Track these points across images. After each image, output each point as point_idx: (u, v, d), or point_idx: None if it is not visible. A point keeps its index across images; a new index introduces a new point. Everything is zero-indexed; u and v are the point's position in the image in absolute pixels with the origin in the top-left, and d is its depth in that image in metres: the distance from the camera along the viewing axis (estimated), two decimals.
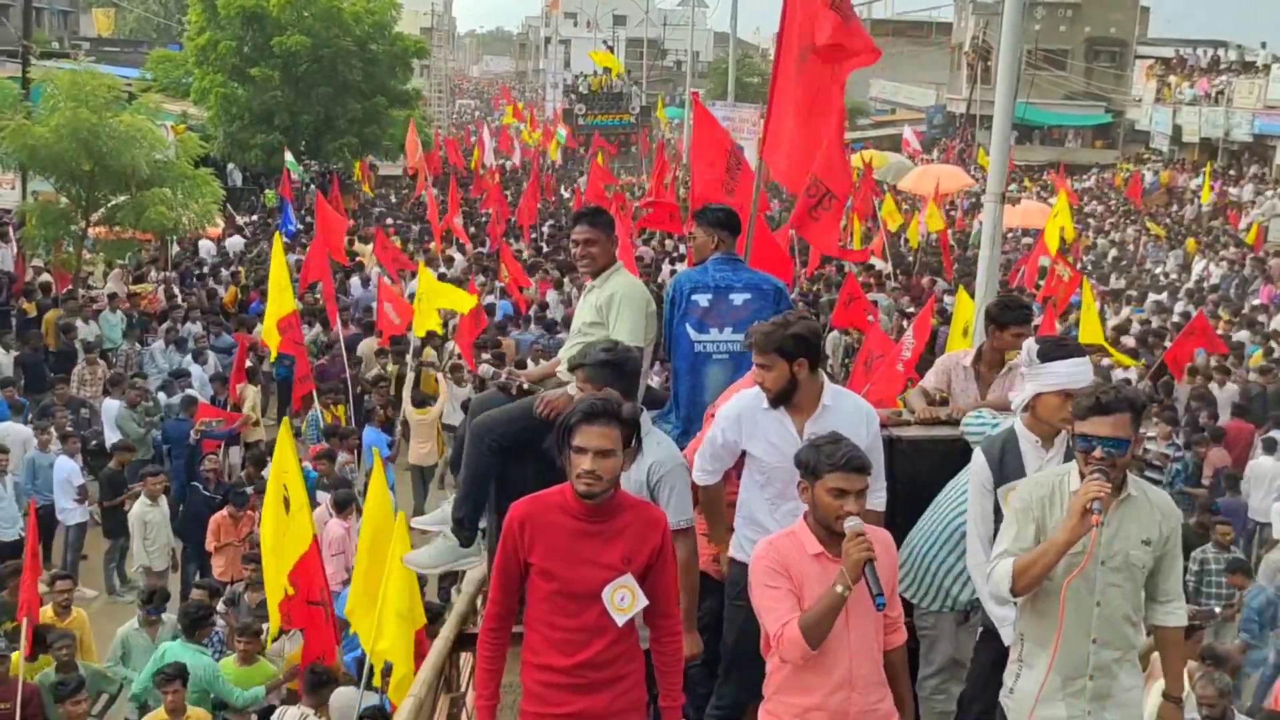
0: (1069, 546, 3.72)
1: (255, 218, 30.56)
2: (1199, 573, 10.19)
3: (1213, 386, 15.11)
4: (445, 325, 16.57)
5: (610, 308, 5.21)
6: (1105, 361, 14.64)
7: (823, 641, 3.70)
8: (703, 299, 5.45)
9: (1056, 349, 4.37)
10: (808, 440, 4.07)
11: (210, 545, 10.77)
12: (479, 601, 5.66)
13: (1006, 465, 4.34)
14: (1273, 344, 18.16)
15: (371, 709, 6.98)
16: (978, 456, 4.43)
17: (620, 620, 3.71)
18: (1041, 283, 19.63)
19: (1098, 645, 3.86)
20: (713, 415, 4.86)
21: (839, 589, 3.63)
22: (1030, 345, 4.46)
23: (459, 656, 5.51)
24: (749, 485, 4.58)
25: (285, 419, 8.16)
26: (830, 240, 8.68)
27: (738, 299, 5.46)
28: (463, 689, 5.66)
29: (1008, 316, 5.53)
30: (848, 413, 4.46)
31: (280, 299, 12.31)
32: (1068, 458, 4.30)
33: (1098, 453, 3.73)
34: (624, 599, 3.70)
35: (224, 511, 10.76)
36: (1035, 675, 3.94)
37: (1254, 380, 16.26)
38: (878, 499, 4.53)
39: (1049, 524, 3.87)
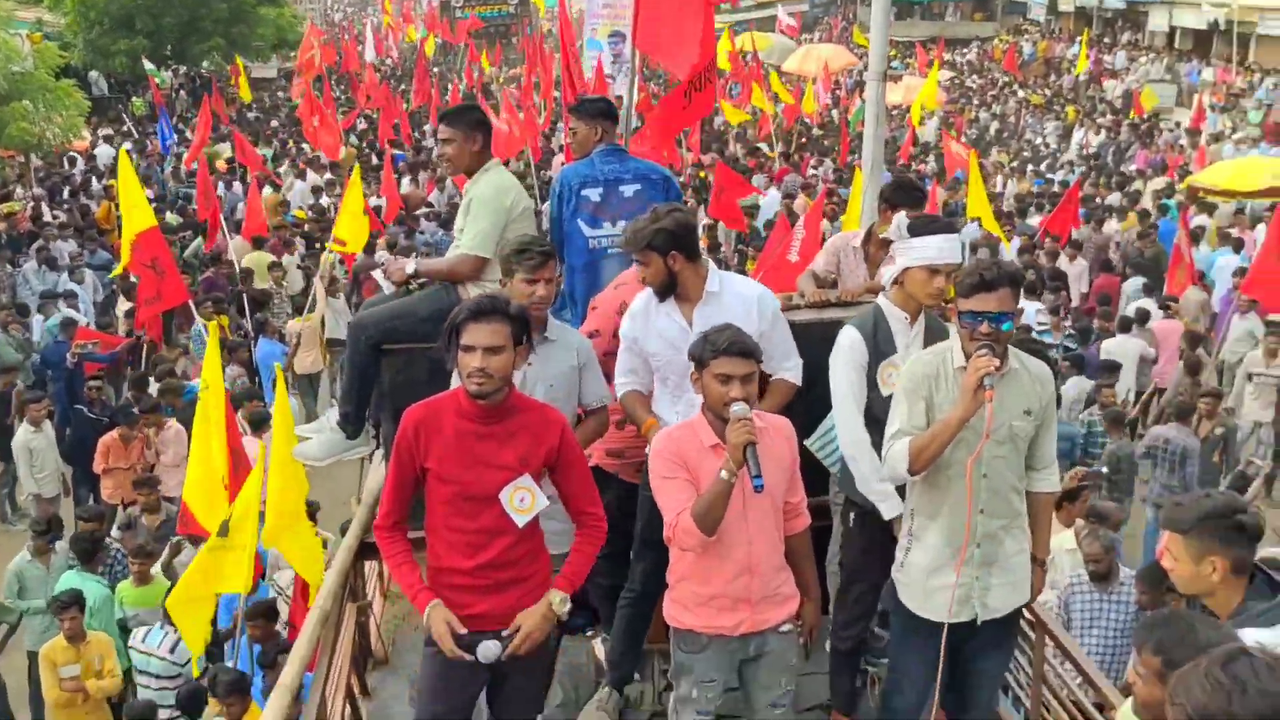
0: (964, 423, 3.78)
1: (125, 128, 29.34)
2: (1086, 435, 10.56)
3: (1062, 261, 15.57)
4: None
5: (467, 213, 5.14)
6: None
7: (716, 528, 3.74)
8: (593, 194, 5.38)
9: (927, 225, 4.39)
10: (698, 331, 4.09)
11: (98, 467, 10.54)
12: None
13: (880, 342, 4.39)
14: (1148, 209, 18.72)
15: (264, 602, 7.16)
16: (851, 333, 4.43)
17: (520, 521, 3.71)
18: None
19: (985, 515, 3.96)
20: (595, 308, 4.84)
21: (723, 474, 3.67)
22: (901, 220, 4.47)
23: (363, 565, 5.48)
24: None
25: (213, 325, 7.82)
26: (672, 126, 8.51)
27: (628, 190, 5.40)
28: (369, 597, 5.64)
29: (899, 198, 5.52)
30: (736, 297, 4.45)
31: (133, 215, 11.79)
32: (926, 336, 4.39)
33: (983, 328, 3.79)
34: (523, 500, 3.70)
35: (114, 434, 10.50)
36: (925, 547, 4.05)
37: (1135, 245, 16.78)
38: (791, 373, 4.57)
39: (937, 400, 3.93)
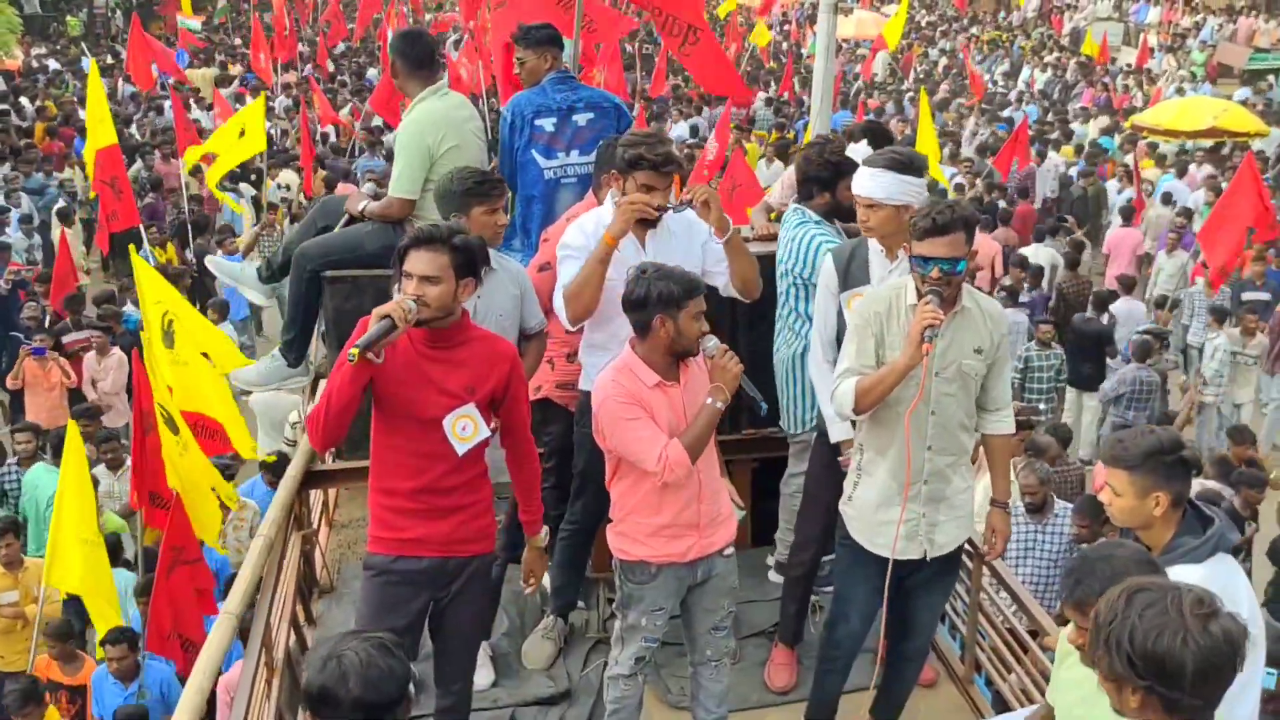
0: (908, 370, 3.80)
1: (58, 46, 28.53)
2: (1024, 370, 10.73)
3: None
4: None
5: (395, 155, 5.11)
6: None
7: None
8: (547, 123, 5.31)
9: (876, 157, 4.32)
10: (651, 256, 4.12)
11: (10, 382, 10.46)
12: None
13: (852, 272, 4.38)
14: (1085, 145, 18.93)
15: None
16: (826, 261, 4.46)
17: (461, 449, 3.71)
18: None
19: (933, 452, 3.99)
20: (547, 240, 4.80)
21: (717, 404, 3.74)
22: (861, 148, 4.47)
23: (307, 495, 5.46)
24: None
25: (138, 258, 7.54)
26: (723, 74, 8.42)
27: (581, 119, 5.34)
28: (314, 526, 5.63)
29: (869, 141, 5.53)
30: (688, 225, 4.42)
31: (97, 131, 11.52)
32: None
33: (934, 273, 3.77)
34: (465, 428, 3.70)
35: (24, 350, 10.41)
36: (873, 483, 4.08)
37: (1078, 185, 16.97)
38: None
39: (887, 337, 3.94)
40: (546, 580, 4.99)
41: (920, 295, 3.85)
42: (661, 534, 3.91)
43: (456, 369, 3.70)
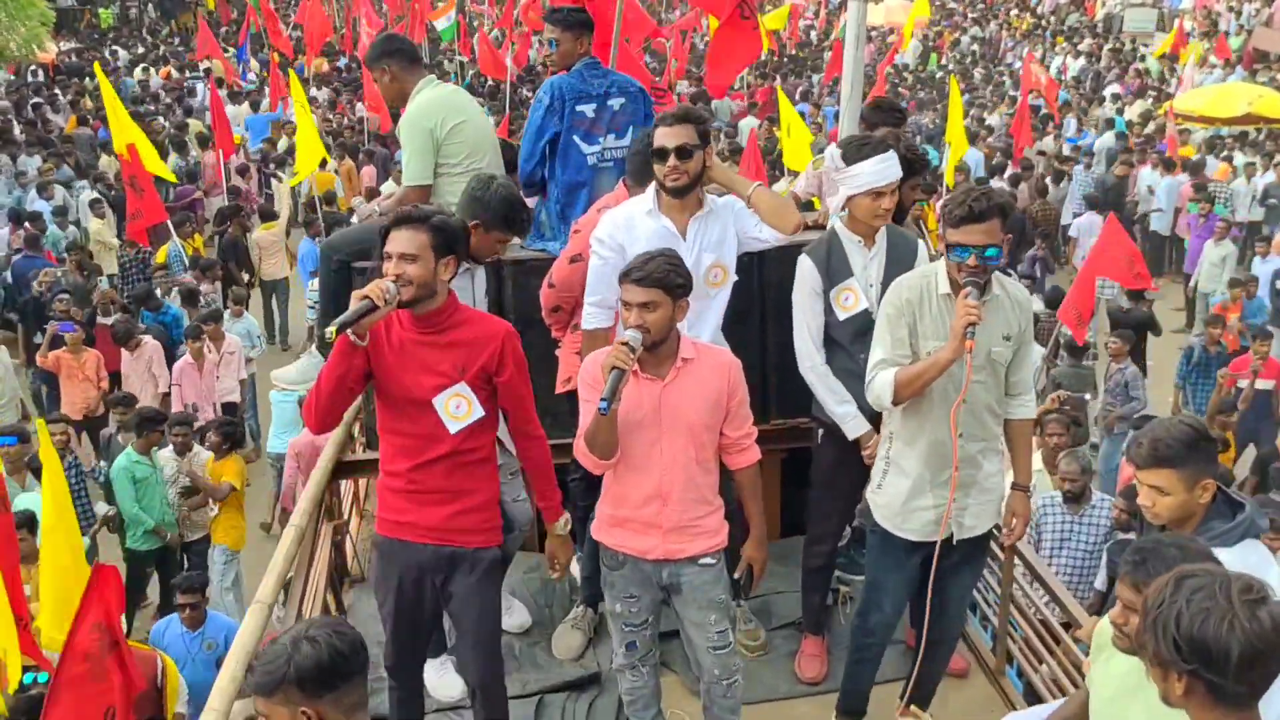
0: (950, 364, 3.78)
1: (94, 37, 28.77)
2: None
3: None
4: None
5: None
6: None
7: (608, 454, 3.74)
8: (587, 109, 5.30)
9: (860, 150, 4.30)
10: (692, 241, 4.19)
11: (39, 359, 10.62)
12: (355, 429, 5.63)
13: (834, 267, 4.38)
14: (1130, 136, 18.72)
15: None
16: (804, 261, 4.43)
17: (454, 428, 3.72)
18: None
19: (964, 439, 3.97)
20: (577, 231, 4.78)
21: (600, 406, 3.57)
22: (832, 151, 4.42)
23: (338, 485, 5.49)
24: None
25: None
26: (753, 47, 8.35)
27: (615, 104, 5.34)
28: (344, 516, 5.66)
29: (877, 118, 5.50)
30: (727, 208, 4.40)
31: (117, 129, 11.61)
32: (889, 254, 4.38)
33: (970, 261, 3.73)
34: (459, 407, 3.72)
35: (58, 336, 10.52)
36: (904, 473, 4.07)
37: (1108, 174, 16.83)
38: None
39: (920, 326, 3.92)
40: (575, 569, 4.99)
41: (953, 283, 3.82)
42: (624, 526, 3.89)
43: (447, 350, 3.72)
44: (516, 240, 4.92)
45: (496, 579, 4.09)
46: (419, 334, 3.72)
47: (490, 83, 21.77)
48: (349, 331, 3.49)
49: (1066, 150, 18.94)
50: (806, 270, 4.41)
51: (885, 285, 4.27)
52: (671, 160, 4.17)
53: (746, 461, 3.97)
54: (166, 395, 10.41)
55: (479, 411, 3.75)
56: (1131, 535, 6.79)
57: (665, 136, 4.18)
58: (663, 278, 3.63)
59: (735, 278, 4.42)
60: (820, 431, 4.66)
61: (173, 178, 14.69)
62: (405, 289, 3.58)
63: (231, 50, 24.99)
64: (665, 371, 3.76)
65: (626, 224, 4.32)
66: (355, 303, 3.50)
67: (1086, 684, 3.47)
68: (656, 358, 3.74)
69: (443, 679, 4.65)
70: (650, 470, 3.78)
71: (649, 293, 3.63)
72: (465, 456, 3.79)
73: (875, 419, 4.29)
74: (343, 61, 25.26)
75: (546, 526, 4.12)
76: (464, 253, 3.85)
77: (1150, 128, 19.82)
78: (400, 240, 3.61)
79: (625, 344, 3.57)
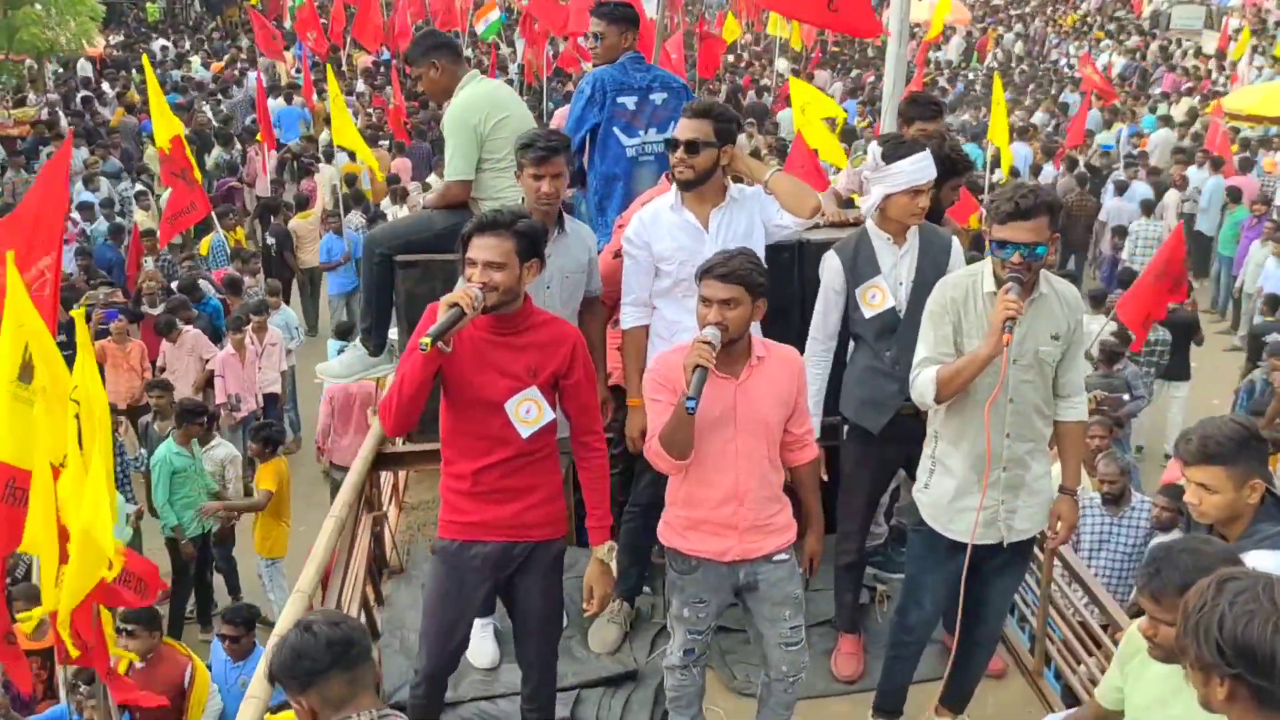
0: (989, 361, 3.75)
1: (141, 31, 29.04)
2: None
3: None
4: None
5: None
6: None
7: (685, 453, 3.69)
8: (629, 101, 5.34)
9: (899, 148, 4.32)
10: (714, 233, 4.21)
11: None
12: None
13: (860, 265, 4.38)
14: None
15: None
16: (830, 259, 4.44)
17: (525, 432, 3.72)
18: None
19: (1011, 439, 3.95)
20: (621, 227, 4.79)
21: (687, 403, 3.53)
22: (874, 148, 4.42)
23: (378, 476, 5.52)
24: (659, 294, 4.53)
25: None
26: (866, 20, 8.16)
27: (657, 98, 5.39)
28: (384, 508, 5.69)
29: (914, 112, 5.49)
30: (753, 199, 4.43)
31: (160, 123, 11.73)
32: (921, 252, 4.38)
33: (1015, 258, 3.71)
34: (529, 411, 3.72)
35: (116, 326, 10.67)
36: (950, 473, 4.04)
37: (1166, 173, 16.66)
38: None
39: (964, 324, 3.90)
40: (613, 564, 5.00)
41: (998, 280, 3.79)
42: (699, 529, 3.85)
43: (520, 352, 3.72)
44: None
45: (561, 571, 4.09)
46: (493, 335, 3.71)
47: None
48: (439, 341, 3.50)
49: (1124, 139, 18.80)
50: (834, 268, 4.43)
51: (916, 284, 4.28)
52: (679, 153, 4.22)
53: (807, 458, 4.00)
54: (210, 384, 10.53)
55: (549, 415, 3.75)
56: (1176, 532, 6.71)
57: (680, 129, 4.25)
58: (746, 275, 3.63)
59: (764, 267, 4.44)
60: (845, 427, 4.67)
61: (198, 175, 14.80)
62: (490, 294, 3.57)
63: (290, 50, 25.12)
64: (739, 370, 3.75)
65: (652, 220, 4.37)
66: (444, 310, 3.49)
67: (1096, 695, 3.45)
68: (731, 356, 3.71)
69: (481, 644, 4.70)
70: (725, 469, 3.76)
71: (731, 289, 3.61)
72: (534, 454, 3.79)
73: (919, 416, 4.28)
74: (384, 55, 25.36)
75: (591, 549, 4.02)
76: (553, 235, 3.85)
77: (1197, 125, 19.58)
78: (486, 247, 3.59)
79: (706, 341, 3.54)
